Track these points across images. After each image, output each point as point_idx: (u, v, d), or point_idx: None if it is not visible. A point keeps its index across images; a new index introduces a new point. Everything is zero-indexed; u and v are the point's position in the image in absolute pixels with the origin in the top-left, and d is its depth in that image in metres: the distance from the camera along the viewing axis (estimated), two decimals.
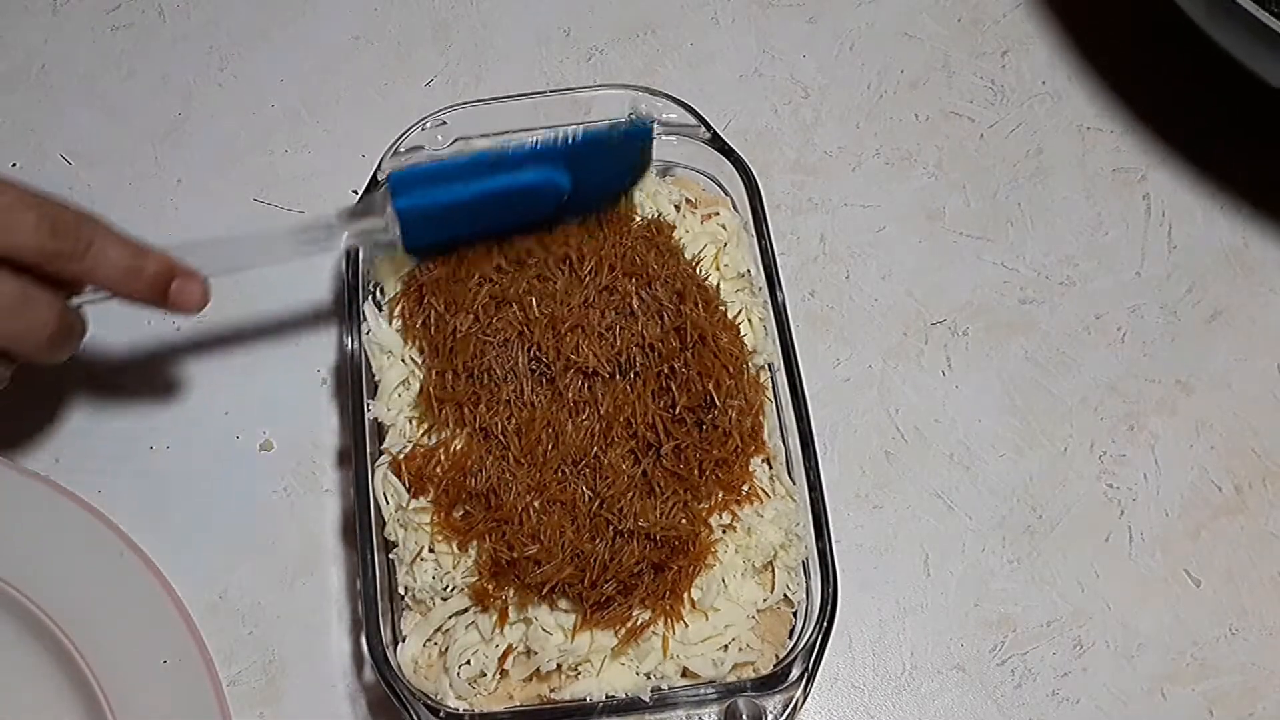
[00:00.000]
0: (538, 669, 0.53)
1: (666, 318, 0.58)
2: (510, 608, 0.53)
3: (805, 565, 0.56)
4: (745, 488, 0.56)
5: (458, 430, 0.56)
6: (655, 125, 0.62)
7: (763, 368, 0.59)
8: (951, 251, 0.71)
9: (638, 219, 0.62)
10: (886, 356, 0.67)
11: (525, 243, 0.60)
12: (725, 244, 0.62)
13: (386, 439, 0.58)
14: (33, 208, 0.52)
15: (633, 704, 0.52)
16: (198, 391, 0.67)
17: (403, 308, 0.60)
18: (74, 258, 0.53)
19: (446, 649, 0.54)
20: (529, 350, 0.57)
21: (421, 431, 0.57)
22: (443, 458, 0.55)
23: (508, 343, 0.57)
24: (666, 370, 0.56)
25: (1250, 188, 0.72)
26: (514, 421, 0.56)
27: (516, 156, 0.58)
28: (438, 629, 0.54)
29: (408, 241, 0.59)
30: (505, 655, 0.53)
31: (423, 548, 0.55)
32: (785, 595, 0.55)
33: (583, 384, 0.56)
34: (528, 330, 0.57)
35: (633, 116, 0.62)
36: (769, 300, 0.60)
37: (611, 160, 0.60)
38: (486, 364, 0.57)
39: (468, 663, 0.53)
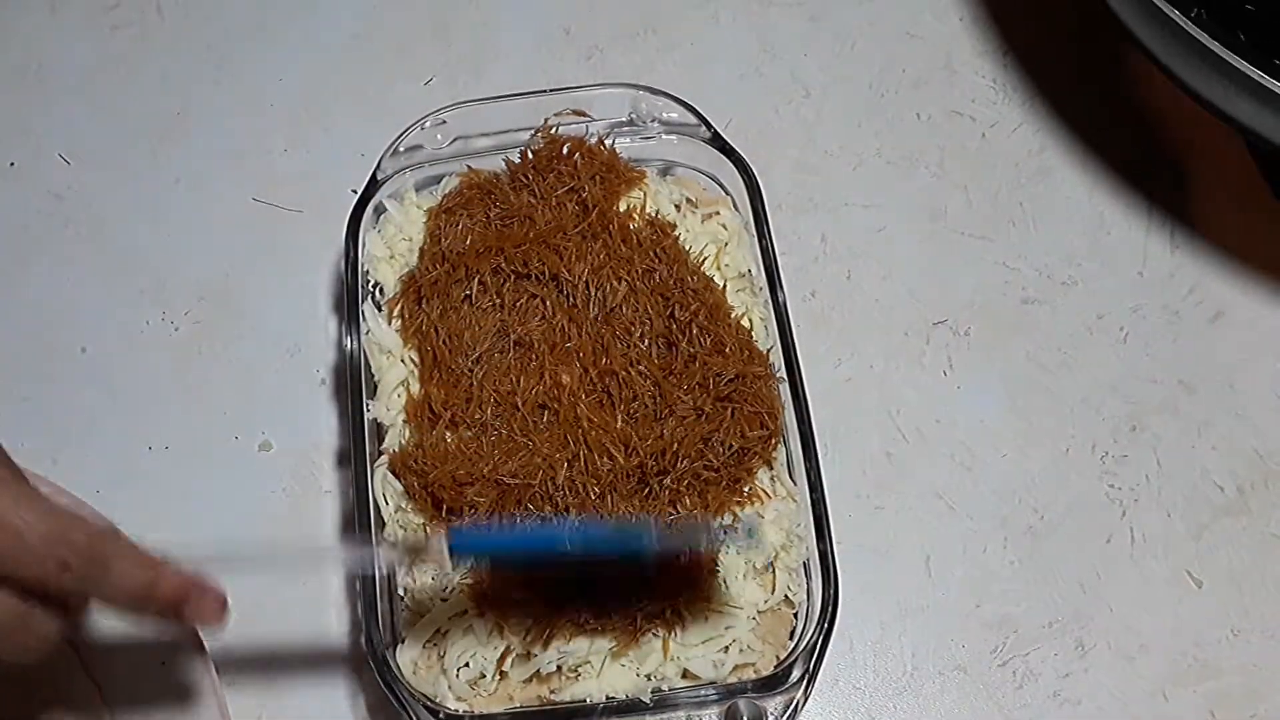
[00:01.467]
0: (538, 670, 0.53)
1: (675, 325, 0.58)
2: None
3: (806, 566, 0.55)
4: (746, 489, 0.56)
5: (452, 431, 0.56)
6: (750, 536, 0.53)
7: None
8: (953, 251, 0.70)
9: (637, 221, 0.62)
10: (888, 356, 0.67)
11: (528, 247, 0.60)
12: (726, 244, 0.62)
13: (386, 439, 0.58)
14: (39, 538, 0.45)
15: (633, 705, 0.52)
16: (197, 391, 0.67)
17: (402, 308, 0.60)
18: (80, 589, 0.47)
19: (446, 651, 0.54)
20: (531, 365, 0.57)
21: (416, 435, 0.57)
22: (432, 456, 0.55)
23: (505, 350, 0.58)
24: (680, 367, 0.56)
25: (1253, 187, 0.72)
26: (512, 430, 0.56)
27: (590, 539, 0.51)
28: (437, 630, 0.54)
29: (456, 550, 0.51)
30: (504, 657, 0.53)
31: None
32: (786, 596, 0.55)
33: (586, 394, 0.57)
34: (530, 344, 0.58)
35: (643, 122, 0.62)
36: (770, 300, 0.60)
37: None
38: (487, 374, 0.57)
39: (466, 664, 0.53)
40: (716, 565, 0.54)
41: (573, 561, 0.50)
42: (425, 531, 0.54)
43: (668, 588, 0.53)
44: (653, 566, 0.53)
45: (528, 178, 0.63)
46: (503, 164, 0.64)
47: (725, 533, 0.52)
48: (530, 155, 0.63)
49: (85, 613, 0.48)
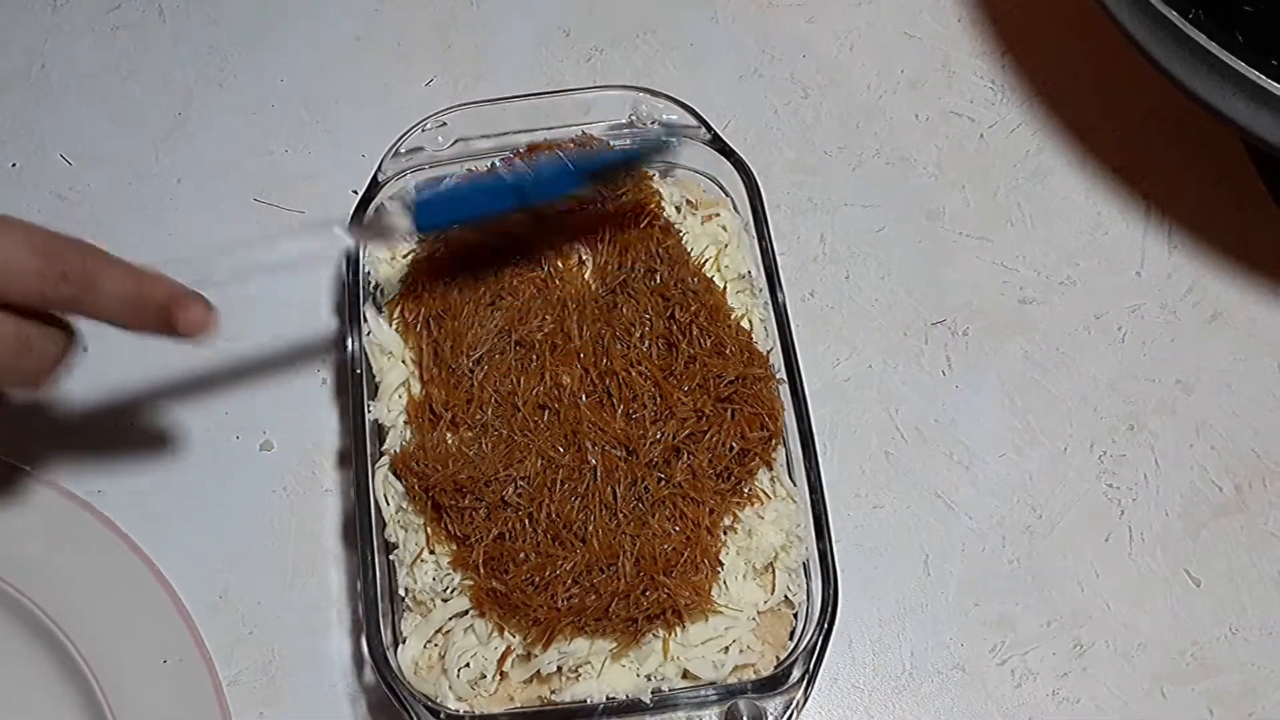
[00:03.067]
0: (538, 671, 0.53)
1: (676, 326, 0.58)
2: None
3: (806, 566, 0.56)
4: (746, 489, 0.56)
5: (453, 432, 0.56)
6: (670, 137, 0.63)
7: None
8: (951, 251, 0.71)
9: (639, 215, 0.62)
10: (886, 356, 0.67)
11: (528, 247, 0.60)
12: (726, 245, 0.62)
13: (387, 440, 0.58)
14: (34, 252, 0.47)
15: (633, 706, 0.52)
16: (198, 391, 0.67)
17: (403, 309, 0.60)
18: (77, 301, 0.49)
19: (446, 651, 0.54)
20: (532, 365, 0.57)
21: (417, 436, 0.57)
22: (433, 457, 0.56)
23: (506, 350, 0.58)
24: (680, 368, 0.57)
25: (1251, 187, 0.72)
26: (512, 434, 0.56)
27: (542, 177, 0.58)
28: (438, 630, 0.54)
29: (419, 223, 0.58)
30: (504, 657, 0.53)
31: (423, 549, 0.55)
32: (786, 597, 0.55)
33: (587, 394, 0.57)
34: (531, 344, 0.58)
35: (643, 123, 0.63)
36: (769, 301, 0.60)
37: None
38: (488, 375, 0.57)
39: (467, 665, 0.53)
40: (720, 566, 0.54)
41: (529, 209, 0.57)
42: (385, 207, 0.57)
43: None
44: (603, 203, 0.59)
45: None
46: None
47: (649, 142, 0.60)
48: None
49: (77, 334, 0.51)
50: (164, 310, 0.51)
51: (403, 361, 0.59)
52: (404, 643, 0.54)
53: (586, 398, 0.57)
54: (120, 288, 0.50)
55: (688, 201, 0.64)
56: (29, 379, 0.49)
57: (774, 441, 0.57)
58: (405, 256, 0.62)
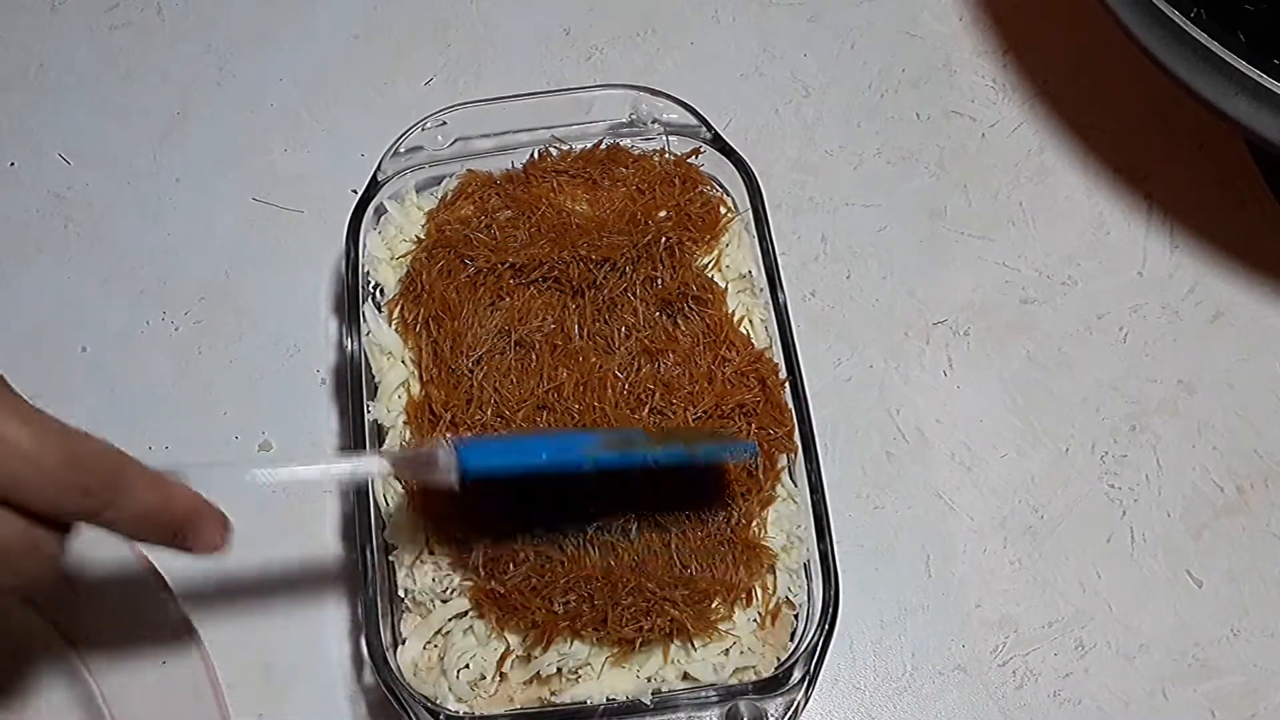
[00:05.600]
0: (538, 672, 0.53)
1: (677, 328, 0.58)
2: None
3: (806, 567, 0.55)
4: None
5: (452, 432, 0.56)
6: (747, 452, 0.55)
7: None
8: (953, 251, 0.70)
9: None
10: (888, 356, 0.67)
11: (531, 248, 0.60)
12: (727, 245, 0.62)
13: (386, 440, 0.58)
14: (63, 461, 0.42)
15: (633, 707, 0.52)
16: (197, 391, 0.67)
17: (402, 309, 0.60)
18: (93, 515, 0.44)
19: (446, 652, 0.54)
20: (532, 365, 0.57)
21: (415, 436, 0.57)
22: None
23: (506, 351, 0.58)
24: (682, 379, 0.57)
25: (1253, 186, 0.72)
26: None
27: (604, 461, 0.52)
28: (438, 631, 0.54)
29: (465, 469, 0.49)
30: (504, 658, 0.53)
31: (422, 550, 0.55)
32: (787, 597, 0.55)
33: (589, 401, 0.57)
34: (532, 345, 0.58)
35: (643, 123, 0.62)
36: (770, 300, 0.60)
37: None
38: (487, 375, 0.57)
39: (467, 665, 0.53)
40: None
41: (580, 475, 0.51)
42: (429, 442, 0.52)
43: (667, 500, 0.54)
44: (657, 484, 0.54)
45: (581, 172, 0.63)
46: (515, 164, 0.64)
47: (728, 450, 0.54)
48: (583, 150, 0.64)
49: (76, 532, 0.45)
50: (180, 529, 0.47)
51: (402, 362, 0.59)
52: (403, 643, 0.54)
53: (586, 398, 0.56)
54: (140, 504, 0.45)
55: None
56: (26, 583, 0.44)
57: (782, 445, 0.56)
58: (405, 256, 0.62)
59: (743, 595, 0.54)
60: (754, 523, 0.55)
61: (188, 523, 0.47)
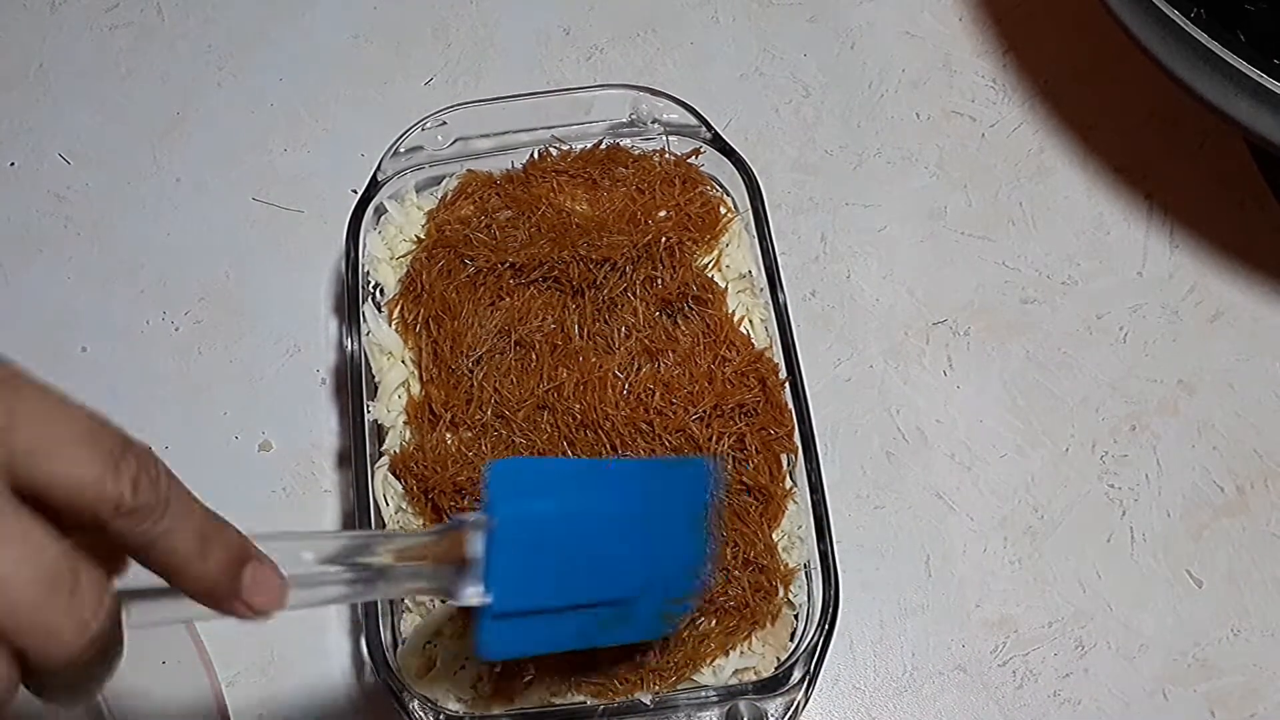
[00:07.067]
0: None
1: (678, 328, 0.58)
2: None
3: (807, 567, 0.55)
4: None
5: (452, 432, 0.56)
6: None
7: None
8: (953, 251, 0.70)
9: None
10: (888, 356, 0.67)
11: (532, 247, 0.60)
12: (727, 245, 0.62)
13: (386, 440, 0.58)
14: (99, 447, 0.36)
15: (633, 707, 0.52)
16: (197, 391, 0.67)
17: (402, 309, 0.60)
18: (148, 517, 0.36)
19: (446, 651, 0.54)
20: (532, 365, 0.57)
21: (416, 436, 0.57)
22: (432, 458, 0.55)
23: (506, 350, 0.58)
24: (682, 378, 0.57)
25: (1253, 186, 0.72)
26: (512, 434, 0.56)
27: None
28: (437, 631, 0.54)
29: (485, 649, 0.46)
30: None
31: None
32: (787, 597, 0.55)
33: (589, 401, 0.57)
34: (532, 344, 0.58)
35: (644, 123, 0.62)
36: (770, 300, 0.60)
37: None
38: (488, 375, 0.57)
39: (464, 666, 0.53)
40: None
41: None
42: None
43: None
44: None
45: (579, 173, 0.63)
46: (515, 164, 0.64)
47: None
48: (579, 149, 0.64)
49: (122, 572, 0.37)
50: (231, 563, 0.39)
51: (402, 362, 0.59)
52: (404, 643, 0.54)
53: (586, 398, 0.56)
54: (193, 519, 0.38)
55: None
56: (54, 638, 0.32)
57: (782, 446, 0.56)
58: (405, 256, 0.62)
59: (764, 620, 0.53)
60: (772, 534, 0.55)
61: (239, 562, 0.40)
